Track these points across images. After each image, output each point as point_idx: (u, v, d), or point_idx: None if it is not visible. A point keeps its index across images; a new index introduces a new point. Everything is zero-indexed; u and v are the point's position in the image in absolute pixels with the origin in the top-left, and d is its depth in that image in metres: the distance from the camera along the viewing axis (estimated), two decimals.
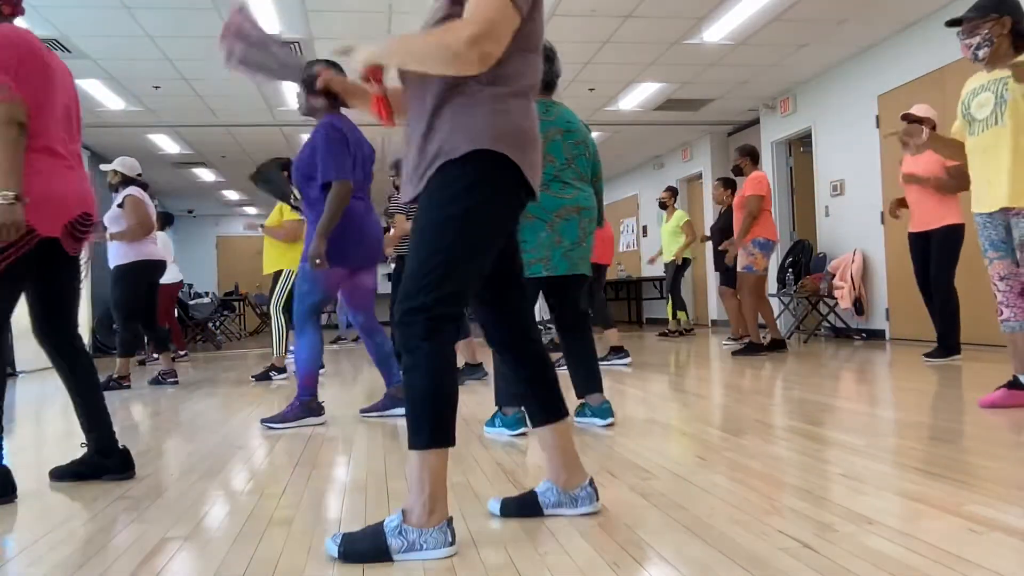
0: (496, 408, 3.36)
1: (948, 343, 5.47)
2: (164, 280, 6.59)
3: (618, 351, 6.12)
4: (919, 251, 5.58)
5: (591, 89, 8.81)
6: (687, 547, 1.76)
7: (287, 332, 6.11)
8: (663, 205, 9.74)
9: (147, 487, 2.60)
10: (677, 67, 8.19)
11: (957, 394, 4.02)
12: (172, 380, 5.99)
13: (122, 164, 5.95)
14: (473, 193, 1.84)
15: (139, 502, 2.39)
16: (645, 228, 13.63)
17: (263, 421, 3.82)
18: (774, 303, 9.23)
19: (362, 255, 3.82)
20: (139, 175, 6.05)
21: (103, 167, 6.11)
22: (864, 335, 8.03)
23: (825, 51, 7.88)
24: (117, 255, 5.77)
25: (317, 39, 7.05)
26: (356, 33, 6.89)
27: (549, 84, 3.36)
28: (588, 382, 3.43)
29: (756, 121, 10.19)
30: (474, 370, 5.56)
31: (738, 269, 6.84)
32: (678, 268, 9.48)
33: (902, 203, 5.65)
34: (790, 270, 8.63)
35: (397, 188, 6.44)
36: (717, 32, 7.15)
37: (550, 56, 3.30)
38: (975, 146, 3.50)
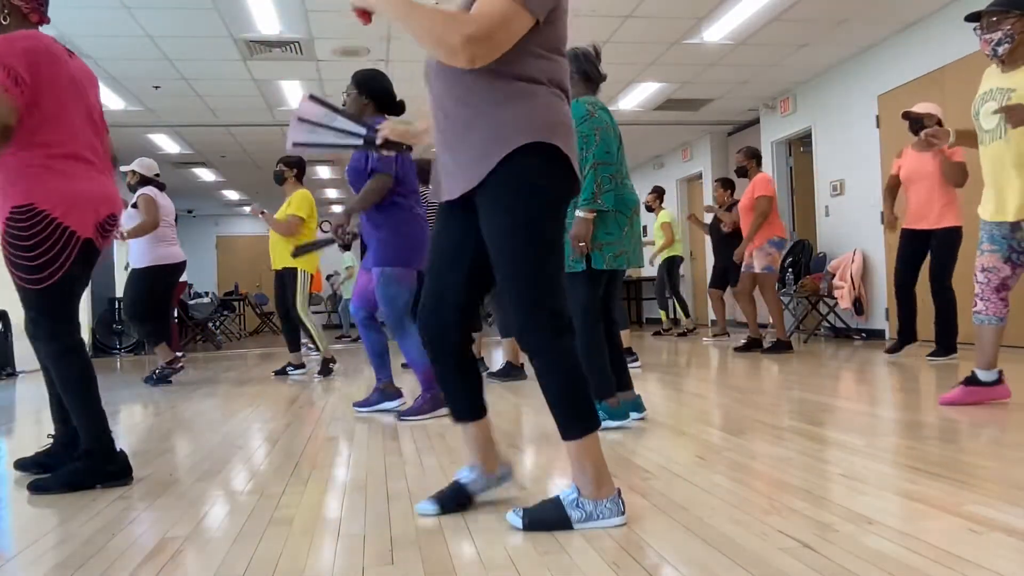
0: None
1: (948, 342, 5.50)
2: None
3: (627, 352, 6.09)
4: (912, 248, 5.61)
5: None
6: (687, 547, 1.76)
7: (318, 326, 6.17)
8: (649, 208, 9.73)
9: (147, 487, 2.60)
10: (677, 67, 8.19)
11: None
12: (179, 368, 6.09)
13: (140, 164, 6.05)
14: (538, 188, 1.91)
15: (139, 502, 2.39)
16: (645, 228, 13.63)
17: (401, 415, 3.89)
18: None
19: (423, 258, 3.99)
20: (157, 175, 6.11)
21: (122, 168, 6.16)
22: (864, 335, 8.03)
23: (825, 51, 7.88)
24: (136, 257, 5.83)
25: (317, 39, 7.05)
26: (356, 33, 6.90)
27: (598, 83, 3.51)
28: (619, 380, 3.45)
29: (756, 121, 10.19)
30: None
31: (756, 270, 6.86)
32: (671, 267, 9.48)
33: (892, 211, 5.75)
34: (790, 270, 8.63)
35: None
36: (717, 32, 7.15)
37: (599, 56, 3.50)
38: (985, 155, 3.53)
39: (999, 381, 3.55)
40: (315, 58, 7.55)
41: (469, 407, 2.15)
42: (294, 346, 6.41)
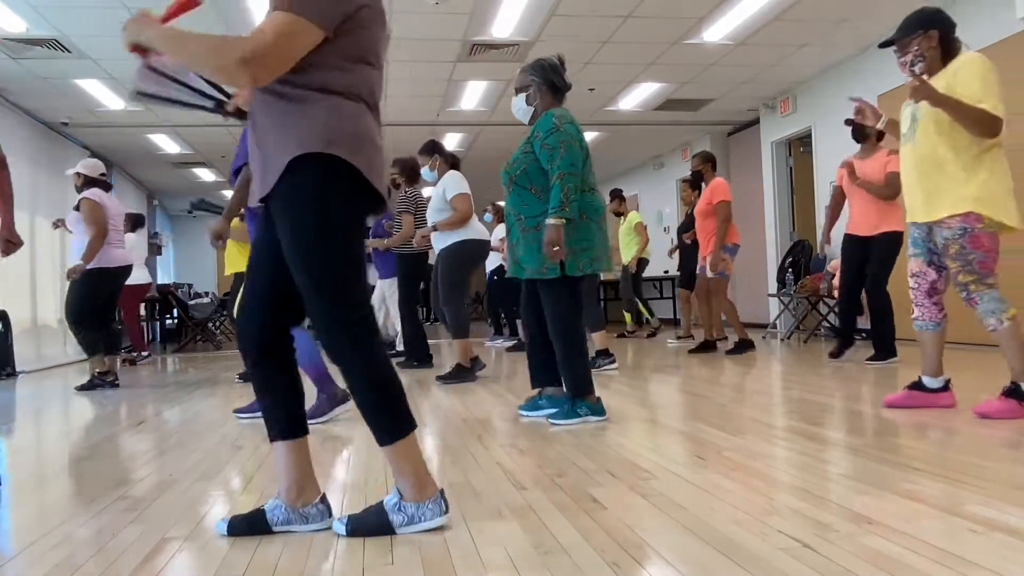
0: (568, 395, 3.54)
1: (886, 345, 5.50)
2: (130, 281, 6.36)
3: (604, 354, 6.01)
4: (853, 253, 5.68)
5: (591, 89, 8.81)
6: (687, 547, 1.76)
7: None
8: (617, 214, 9.68)
9: (147, 487, 2.60)
10: (677, 67, 8.19)
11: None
12: (111, 382, 5.79)
13: (84, 166, 5.87)
14: (320, 198, 1.87)
15: (139, 502, 2.39)
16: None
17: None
18: (773, 303, 9.26)
19: None
20: (103, 175, 5.93)
21: (68, 172, 6.04)
22: (864, 335, 8.02)
23: (825, 51, 7.88)
24: (76, 259, 5.68)
25: None
26: None
27: (564, 93, 3.63)
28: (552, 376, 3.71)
29: (756, 121, 10.20)
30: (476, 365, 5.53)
31: (708, 274, 6.88)
32: (638, 270, 9.50)
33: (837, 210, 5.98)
34: (790, 270, 8.62)
35: (397, 185, 6.43)
36: (717, 32, 7.15)
37: (563, 64, 3.59)
38: (901, 157, 3.57)
39: (945, 388, 3.55)
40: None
41: (284, 421, 2.01)
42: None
